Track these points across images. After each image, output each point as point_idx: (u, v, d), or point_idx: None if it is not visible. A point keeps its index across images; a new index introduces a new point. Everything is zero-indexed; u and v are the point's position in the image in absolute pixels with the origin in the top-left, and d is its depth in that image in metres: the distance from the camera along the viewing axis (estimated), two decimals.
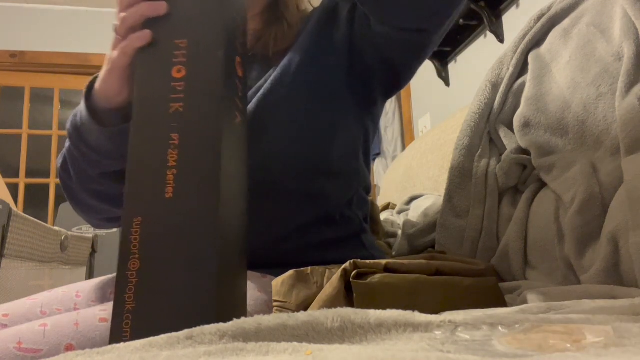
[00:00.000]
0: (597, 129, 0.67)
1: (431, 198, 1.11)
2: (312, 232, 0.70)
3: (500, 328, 0.32)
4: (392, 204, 1.31)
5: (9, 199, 1.62)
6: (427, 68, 2.22)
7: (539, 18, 0.84)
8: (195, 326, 0.32)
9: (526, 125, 0.77)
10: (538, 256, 0.70)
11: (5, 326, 0.57)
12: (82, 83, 3.37)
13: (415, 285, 0.53)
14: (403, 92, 2.65)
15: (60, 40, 3.13)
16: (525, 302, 0.56)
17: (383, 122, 2.75)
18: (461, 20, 1.83)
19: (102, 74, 0.59)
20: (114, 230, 2.40)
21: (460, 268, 0.59)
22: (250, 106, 0.69)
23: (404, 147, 2.62)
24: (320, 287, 0.55)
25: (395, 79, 0.76)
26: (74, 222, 2.39)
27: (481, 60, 1.92)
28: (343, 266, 0.52)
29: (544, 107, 0.76)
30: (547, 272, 0.68)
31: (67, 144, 0.69)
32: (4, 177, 1.97)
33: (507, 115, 0.84)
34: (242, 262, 0.51)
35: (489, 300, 0.55)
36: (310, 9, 0.83)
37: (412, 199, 1.20)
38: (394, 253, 0.94)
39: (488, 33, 1.84)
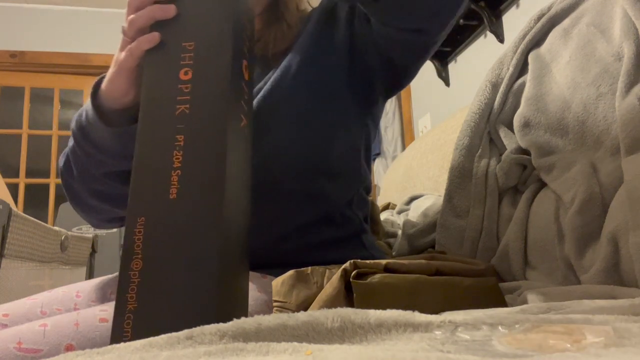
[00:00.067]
0: (597, 129, 0.67)
1: (431, 198, 1.11)
2: (312, 232, 0.70)
3: (500, 328, 0.32)
4: (392, 204, 1.31)
5: (9, 199, 1.62)
6: (427, 68, 2.22)
7: (539, 18, 0.84)
8: (195, 326, 0.32)
9: (526, 125, 0.77)
10: (538, 256, 0.70)
11: (5, 326, 0.57)
12: (82, 83, 3.36)
13: (415, 285, 0.53)
14: (403, 92, 2.65)
15: (60, 40, 3.13)
16: (525, 302, 0.56)
17: (383, 122, 2.75)
18: (461, 20, 1.84)
19: (109, 74, 0.60)
20: (114, 230, 2.41)
21: (460, 268, 0.59)
22: None
23: (404, 147, 2.62)
24: (320, 287, 0.55)
25: (396, 79, 0.76)
26: (74, 222, 2.39)
27: (481, 60, 1.92)
28: (343, 266, 0.52)
29: (544, 107, 0.76)
30: (547, 272, 0.68)
31: (71, 143, 0.69)
32: (4, 177, 1.97)
33: (507, 115, 0.84)
34: (243, 263, 0.51)
35: (489, 300, 0.55)
36: (309, 9, 0.83)
37: (412, 199, 1.20)
38: (394, 253, 0.94)
39: (488, 33, 1.84)
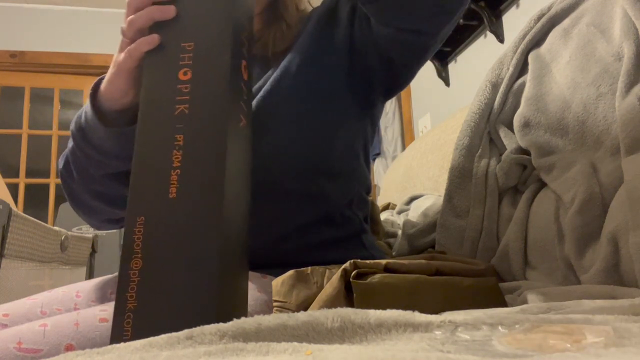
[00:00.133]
0: (597, 129, 0.67)
1: (431, 198, 1.11)
2: (312, 232, 0.70)
3: (500, 328, 0.32)
4: (392, 204, 1.31)
5: (9, 199, 1.62)
6: (427, 68, 2.22)
7: (539, 18, 0.84)
8: (195, 326, 0.32)
9: (526, 125, 0.77)
10: (538, 256, 0.70)
11: (5, 326, 0.57)
12: (82, 83, 3.37)
13: (415, 285, 0.53)
14: (403, 92, 2.65)
15: (60, 40, 3.13)
16: (525, 302, 0.56)
17: (383, 122, 2.75)
18: (461, 20, 1.83)
19: (108, 75, 0.60)
20: (114, 230, 2.40)
21: (460, 268, 0.59)
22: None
23: (404, 147, 2.62)
24: (320, 287, 0.55)
25: (396, 80, 0.76)
26: (74, 222, 2.39)
27: (481, 60, 1.92)
28: (343, 266, 0.52)
29: (544, 107, 0.76)
30: (547, 272, 0.68)
31: (70, 144, 0.69)
32: (4, 177, 1.97)
33: (507, 115, 0.84)
34: (243, 263, 0.51)
35: (489, 300, 0.55)
36: (309, 9, 0.83)
37: (412, 199, 1.20)
38: (394, 253, 0.94)
39: (488, 33, 1.84)
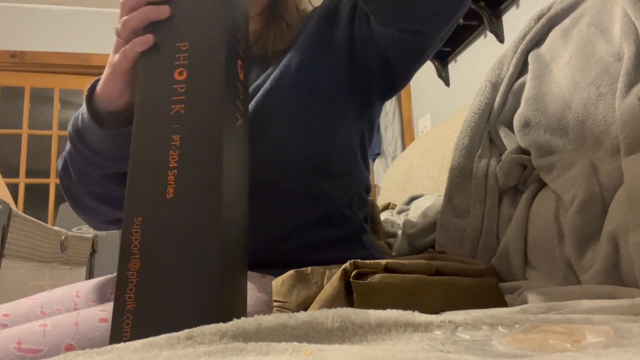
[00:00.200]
0: (597, 129, 0.67)
1: (431, 198, 1.11)
2: (312, 232, 0.70)
3: (500, 328, 0.32)
4: (392, 204, 1.31)
5: (9, 199, 1.62)
6: (427, 68, 2.22)
7: (539, 18, 0.84)
8: (195, 326, 0.32)
9: (526, 125, 0.77)
10: (538, 256, 0.70)
11: (5, 326, 0.57)
12: (82, 83, 3.36)
13: (415, 285, 0.53)
14: (403, 92, 2.65)
15: (60, 40, 3.13)
16: (525, 302, 0.56)
17: (383, 122, 2.75)
18: (461, 20, 1.82)
19: (103, 77, 0.60)
20: (114, 230, 2.40)
21: (460, 268, 0.59)
22: (250, 106, 0.69)
23: (404, 147, 2.62)
24: (320, 287, 0.55)
25: (394, 80, 0.76)
26: (74, 222, 2.39)
27: (481, 60, 1.92)
28: (343, 266, 0.52)
29: (544, 107, 0.76)
30: (547, 272, 0.68)
31: (68, 146, 0.69)
32: (4, 177, 1.97)
33: (507, 115, 0.84)
34: (242, 262, 0.51)
35: (489, 300, 0.55)
36: (309, 8, 0.83)
37: (412, 199, 1.20)
38: (394, 253, 0.94)
39: (488, 33, 1.84)
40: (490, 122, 0.86)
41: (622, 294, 0.51)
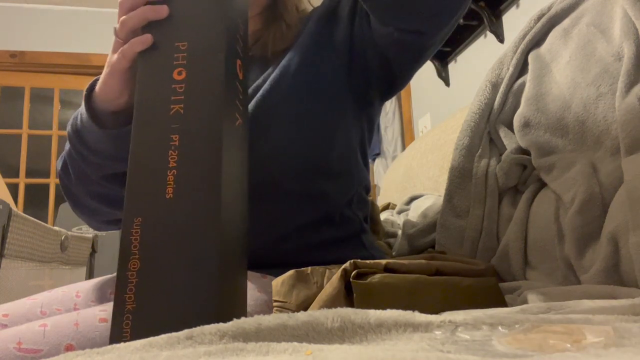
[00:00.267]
0: (597, 129, 0.67)
1: (431, 198, 1.11)
2: (312, 232, 0.70)
3: (500, 328, 0.32)
4: (392, 204, 1.31)
5: (9, 199, 1.62)
6: (427, 68, 2.22)
7: (539, 18, 0.84)
8: (195, 326, 0.32)
9: (526, 125, 0.77)
10: (538, 256, 0.70)
11: (5, 326, 0.57)
12: (82, 83, 3.37)
13: (415, 285, 0.53)
14: (403, 92, 2.65)
15: (60, 40, 3.13)
16: (525, 302, 0.56)
17: (383, 122, 2.75)
18: (461, 20, 1.82)
19: (102, 77, 0.60)
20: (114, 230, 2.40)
21: (460, 268, 0.59)
22: (250, 106, 0.69)
23: (404, 147, 2.62)
24: (320, 287, 0.55)
25: (394, 80, 0.76)
26: (74, 222, 2.39)
27: (481, 60, 1.92)
28: (343, 266, 0.52)
29: (544, 107, 0.76)
30: (547, 272, 0.68)
31: (67, 146, 0.69)
32: (4, 177, 1.97)
33: (507, 115, 0.84)
34: (242, 262, 0.51)
35: (489, 300, 0.55)
36: (309, 8, 0.83)
37: (412, 199, 1.20)
38: (394, 253, 0.94)
39: (488, 33, 1.84)
40: (490, 122, 0.86)
41: (622, 294, 0.51)
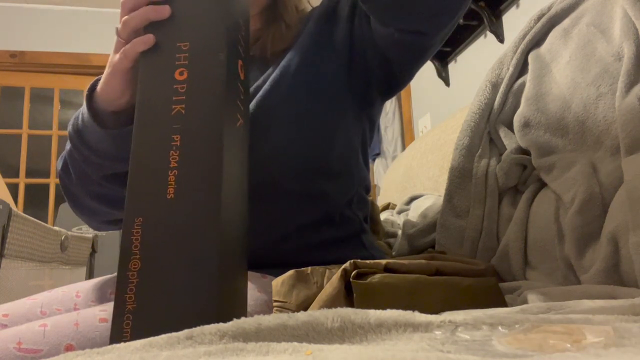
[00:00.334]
0: (597, 129, 0.67)
1: (431, 198, 1.11)
2: (312, 232, 0.70)
3: (500, 328, 0.32)
4: (392, 204, 1.31)
5: (9, 199, 1.62)
6: (427, 68, 2.22)
7: (539, 18, 0.84)
8: (195, 326, 0.32)
9: (526, 125, 0.77)
10: (538, 256, 0.70)
11: (5, 326, 0.57)
12: (82, 83, 3.37)
13: (415, 285, 0.53)
14: (403, 92, 2.65)
15: (60, 40, 3.13)
16: (525, 302, 0.56)
17: (383, 122, 2.75)
18: (461, 20, 1.83)
19: (103, 76, 0.60)
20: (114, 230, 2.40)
21: (460, 268, 0.59)
22: (250, 106, 0.69)
23: (404, 147, 2.62)
24: (320, 287, 0.55)
25: (394, 80, 0.76)
26: (74, 222, 2.39)
27: (481, 60, 1.92)
28: (343, 266, 0.52)
29: (544, 107, 0.76)
30: (547, 272, 0.68)
31: (68, 146, 0.69)
32: (4, 177, 1.97)
33: (507, 115, 0.84)
34: (242, 262, 0.51)
35: (489, 300, 0.55)
36: (309, 9, 0.83)
37: (412, 199, 1.20)
38: (394, 253, 0.94)
39: (488, 33, 1.84)
40: (490, 122, 0.86)
41: (622, 294, 0.51)
